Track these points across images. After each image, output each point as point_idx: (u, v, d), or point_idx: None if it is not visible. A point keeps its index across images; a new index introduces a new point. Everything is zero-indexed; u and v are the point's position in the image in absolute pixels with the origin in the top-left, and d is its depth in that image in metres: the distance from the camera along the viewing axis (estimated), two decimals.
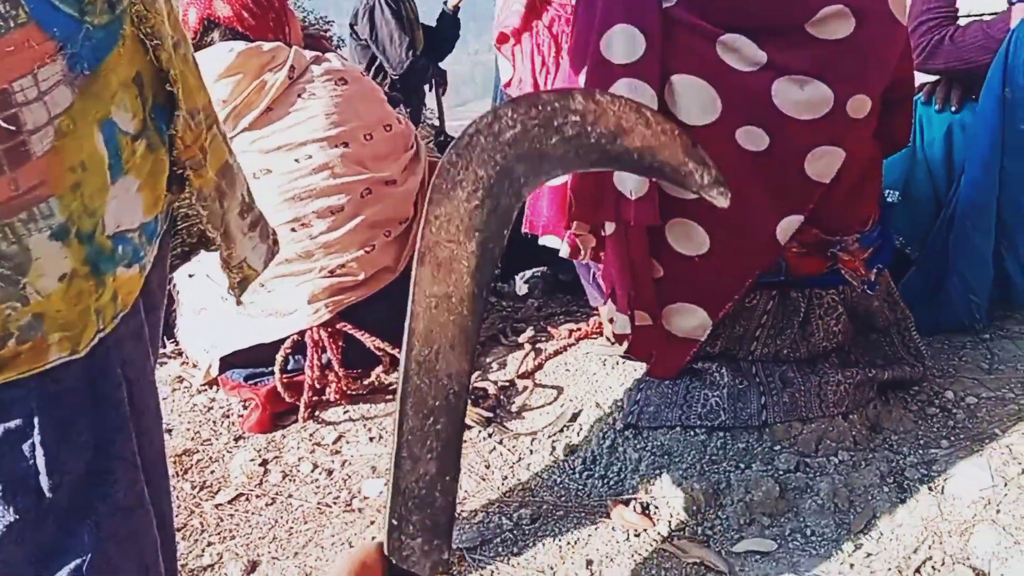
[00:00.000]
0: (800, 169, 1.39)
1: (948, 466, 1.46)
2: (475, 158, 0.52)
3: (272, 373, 1.86)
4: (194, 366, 2.08)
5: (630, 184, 1.40)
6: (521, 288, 2.57)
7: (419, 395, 0.51)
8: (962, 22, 1.93)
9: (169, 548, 0.92)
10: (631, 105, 0.52)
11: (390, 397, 1.92)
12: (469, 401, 1.73)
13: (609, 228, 1.54)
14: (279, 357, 1.85)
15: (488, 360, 2.05)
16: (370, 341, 1.89)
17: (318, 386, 1.88)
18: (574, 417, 1.71)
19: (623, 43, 1.37)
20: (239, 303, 1.08)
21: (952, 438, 1.55)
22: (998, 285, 1.90)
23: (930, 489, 1.41)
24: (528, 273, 2.48)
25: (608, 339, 1.95)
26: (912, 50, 1.96)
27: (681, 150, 0.52)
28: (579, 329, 2.04)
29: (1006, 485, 1.39)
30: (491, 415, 1.77)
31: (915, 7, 1.98)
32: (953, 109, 1.95)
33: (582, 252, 1.65)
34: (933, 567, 1.26)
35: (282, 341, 1.88)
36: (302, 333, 1.88)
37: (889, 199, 1.93)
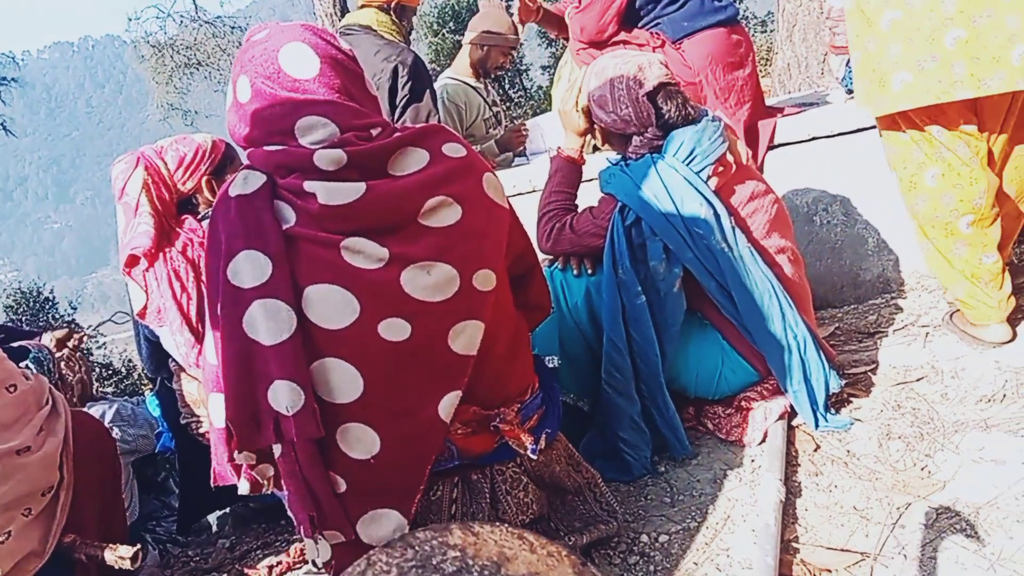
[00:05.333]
0: (446, 347, 1.44)
1: None
2: None
3: None
4: None
5: (284, 400, 1.35)
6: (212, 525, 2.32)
7: None
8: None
9: None
10: (513, 532, 0.47)
11: None
12: None
13: (277, 450, 1.44)
14: None
15: None
16: None
17: None
18: None
19: (249, 268, 1.36)
20: None
21: None
22: (657, 443, 2.08)
23: None
24: (218, 513, 2.24)
25: (314, 564, 1.80)
26: (540, 232, 2.19)
27: (570, 570, 0.48)
28: (280, 563, 1.86)
29: None
30: None
31: (542, 196, 2.24)
32: (589, 272, 2.17)
33: (263, 484, 1.53)
34: None
35: None
36: None
37: (551, 365, 2.06)
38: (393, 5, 3.36)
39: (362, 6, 3.39)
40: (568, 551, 0.52)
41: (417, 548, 0.48)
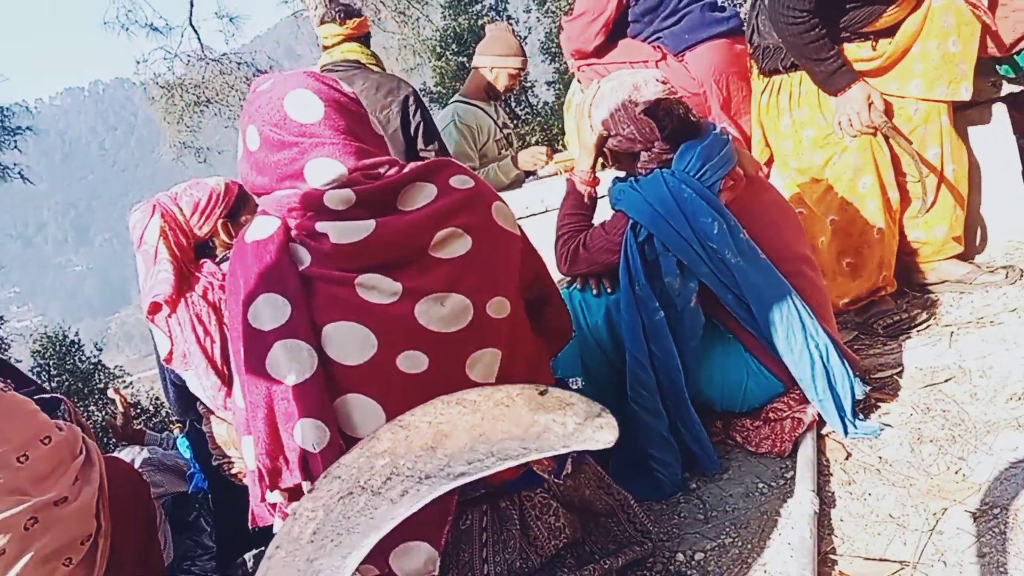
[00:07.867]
0: (464, 377, 1.45)
1: None
2: None
3: None
4: None
5: (310, 438, 1.37)
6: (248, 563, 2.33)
7: None
8: None
9: None
10: (450, 401, 0.45)
11: None
12: None
13: (307, 488, 1.46)
14: None
15: None
16: None
17: None
18: None
19: (268, 310, 1.39)
20: None
21: None
22: (686, 459, 2.07)
23: None
24: (255, 551, 2.25)
25: None
26: (557, 256, 2.20)
27: (526, 409, 0.46)
28: None
29: None
30: None
31: (557, 221, 2.24)
32: (608, 291, 2.17)
33: None
34: None
35: None
36: None
37: (574, 386, 2.06)
38: (365, 35, 3.42)
39: (342, 40, 3.40)
40: (521, 390, 0.49)
41: (344, 477, 0.46)
